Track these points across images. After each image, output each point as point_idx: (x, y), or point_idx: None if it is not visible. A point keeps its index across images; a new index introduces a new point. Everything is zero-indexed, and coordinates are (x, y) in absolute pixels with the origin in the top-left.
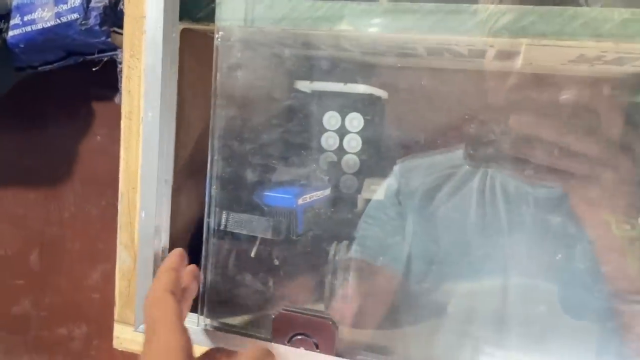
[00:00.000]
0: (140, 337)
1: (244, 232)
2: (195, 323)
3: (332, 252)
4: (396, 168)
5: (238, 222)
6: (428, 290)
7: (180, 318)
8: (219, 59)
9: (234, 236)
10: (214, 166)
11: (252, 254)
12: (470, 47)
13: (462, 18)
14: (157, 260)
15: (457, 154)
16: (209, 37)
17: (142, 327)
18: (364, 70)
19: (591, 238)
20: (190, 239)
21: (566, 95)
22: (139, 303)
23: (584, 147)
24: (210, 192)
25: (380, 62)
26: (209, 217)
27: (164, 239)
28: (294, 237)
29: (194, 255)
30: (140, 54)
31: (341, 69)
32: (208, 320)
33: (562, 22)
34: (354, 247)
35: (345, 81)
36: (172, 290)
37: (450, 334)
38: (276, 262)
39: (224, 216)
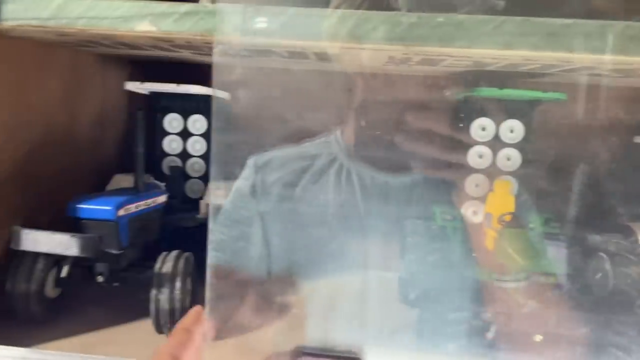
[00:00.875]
0: None
1: (44, 250)
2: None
3: (160, 263)
4: (250, 162)
5: (34, 240)
6: (288, 288)
7: None
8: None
9: (47, 255)
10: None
11: (63, 274)
12: (289, 49)
13: (260, 19)
14: None
15: (311, 145)
16: (3, 37)
17: None
18: (197, 70)
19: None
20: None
21: (449, 92)
22: None
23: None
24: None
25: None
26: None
27: None
28: (117, 252)
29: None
30: None
31: (173, 69)
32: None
33: (354, 25)
34: (210, 253)
35: (179, 82)
36: (174, 355)
37: (312, 330)
38: (100, 280)
39: (14, 234)
